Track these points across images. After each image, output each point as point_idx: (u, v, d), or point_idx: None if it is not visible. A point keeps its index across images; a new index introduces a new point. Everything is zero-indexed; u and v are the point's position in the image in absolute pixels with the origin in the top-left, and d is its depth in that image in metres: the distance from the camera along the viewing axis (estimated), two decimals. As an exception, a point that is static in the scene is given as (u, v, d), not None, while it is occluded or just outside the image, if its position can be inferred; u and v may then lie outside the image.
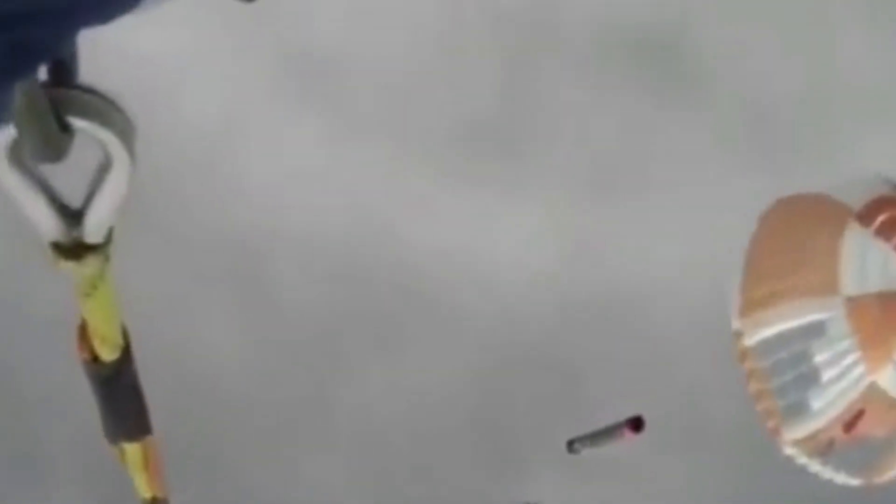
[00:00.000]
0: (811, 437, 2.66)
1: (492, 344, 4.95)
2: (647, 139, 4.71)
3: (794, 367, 2.61)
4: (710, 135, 4.83)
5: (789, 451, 2.69)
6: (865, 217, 2.70)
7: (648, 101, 4.58)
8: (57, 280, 1.92)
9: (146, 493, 2.53)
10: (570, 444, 4.08)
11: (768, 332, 2.64)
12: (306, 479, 4.88)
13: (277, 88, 4.68)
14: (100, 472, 4.43)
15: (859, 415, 2.61)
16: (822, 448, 2.67)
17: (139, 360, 2.11)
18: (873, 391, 2.63)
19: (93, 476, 4.36)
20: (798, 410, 2.65)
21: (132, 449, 2.31)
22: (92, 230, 1.70)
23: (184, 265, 4.59)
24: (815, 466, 2.71)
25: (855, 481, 2.77)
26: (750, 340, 2.67)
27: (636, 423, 3.53)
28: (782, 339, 2.62)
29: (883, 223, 2.69)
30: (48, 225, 1.69)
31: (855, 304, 2.59)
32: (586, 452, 4.02)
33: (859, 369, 2.61)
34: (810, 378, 2.61)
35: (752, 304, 2.66)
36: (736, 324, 2.67)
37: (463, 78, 4.66)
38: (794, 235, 2.73)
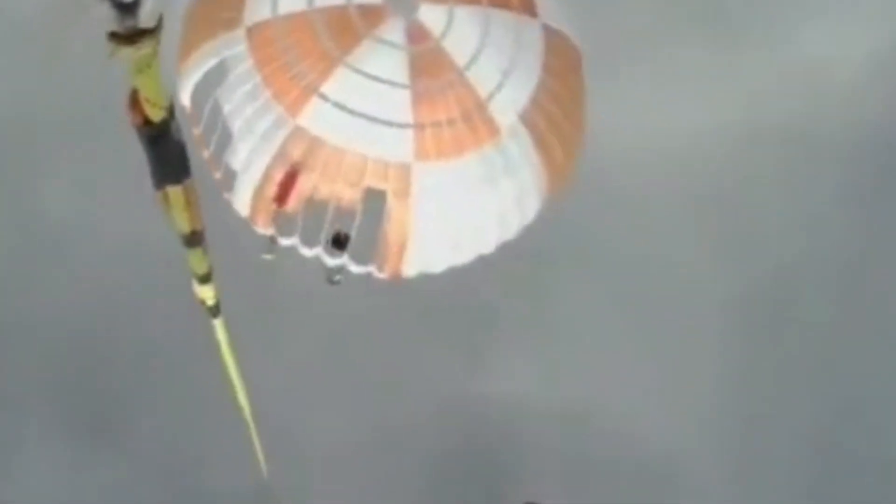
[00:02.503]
0: (257, 208, 2.09)
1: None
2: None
3: (214, 126, 2.08)
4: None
5: (260, 230, 2.13)
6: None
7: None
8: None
9: (186, 228, 2.76)
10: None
11: (188, 86, 2.12)
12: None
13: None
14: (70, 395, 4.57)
15: (293, 173, 2.03)
16: (275, 219, 2.09)
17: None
18: (303, 138, 2.02)
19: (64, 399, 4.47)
20: (229, 176, 2.11)
21: (175, 191, 2.51)
22: (146, 17, 1.93)
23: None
24: (286, 242, 2.11)
25: (361, 269, 2.14)
26: (183, 99, 2.16)
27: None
28: (200, 96, 2.10)
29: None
30: (108, 18, 1.93)
31: (257, 33, 2.03)
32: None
33: (274, 113, 2.03)
34: (225, 134, 2.07)
35: (180, 58, 2.15)
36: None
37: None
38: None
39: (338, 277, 3.75)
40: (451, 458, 4.89)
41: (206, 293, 3.16)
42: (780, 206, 4.82)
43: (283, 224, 2.14)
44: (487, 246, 2.19)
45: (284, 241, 2.11)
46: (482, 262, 4.65)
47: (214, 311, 3.30)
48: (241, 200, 2.09)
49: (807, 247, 4.72)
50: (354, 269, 2.13)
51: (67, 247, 4.50)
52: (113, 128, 2.40)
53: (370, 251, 2.17)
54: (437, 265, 2.16)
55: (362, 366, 4.85)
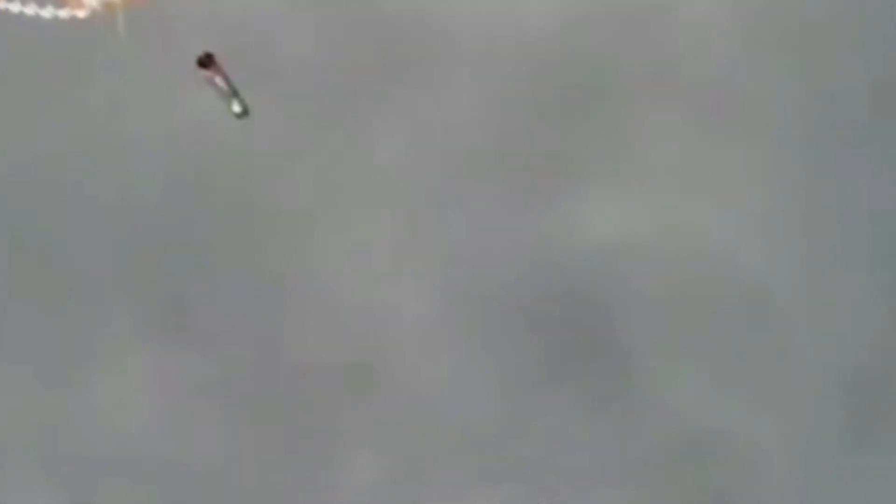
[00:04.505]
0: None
1: (517, 66, 4.97)
2: None
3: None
4: None
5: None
6: None
7: None
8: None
9: None
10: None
11: None
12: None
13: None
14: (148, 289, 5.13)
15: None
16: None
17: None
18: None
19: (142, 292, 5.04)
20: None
21: None
22: None
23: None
24: (14, 8, 2.51)
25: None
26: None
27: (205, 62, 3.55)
28: None
29: None
30: None
31: None
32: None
33: None
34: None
35: None
36: None
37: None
38: None
39: (238, 109, 4.33)
40: (546, 303, 5.12)
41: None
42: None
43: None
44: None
45: (13, 8, 2.56)
46: (554, 109, 5.02)
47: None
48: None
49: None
50: (62, 13, 2.55)
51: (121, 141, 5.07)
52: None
53: None
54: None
55: (448, 225, 5.14)
